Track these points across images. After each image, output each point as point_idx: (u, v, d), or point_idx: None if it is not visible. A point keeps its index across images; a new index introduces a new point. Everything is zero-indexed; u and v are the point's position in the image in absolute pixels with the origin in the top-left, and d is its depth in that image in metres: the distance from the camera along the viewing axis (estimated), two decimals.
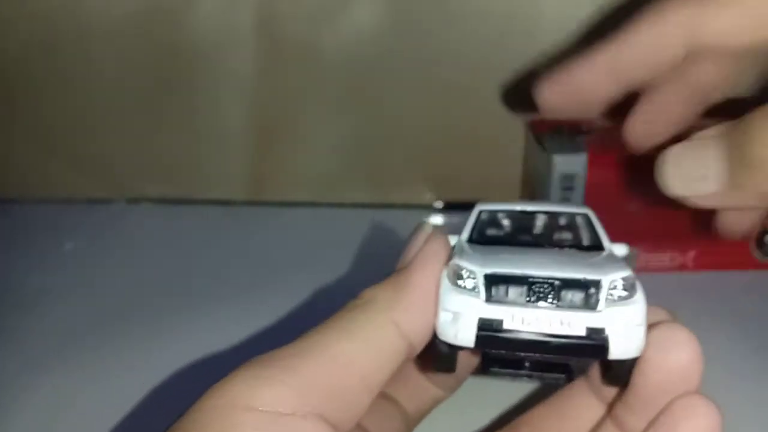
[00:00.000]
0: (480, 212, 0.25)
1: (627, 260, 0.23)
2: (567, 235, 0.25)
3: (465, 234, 0.24)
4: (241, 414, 0.17)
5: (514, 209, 0.25)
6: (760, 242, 0.42)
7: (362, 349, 0.20)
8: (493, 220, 0.25)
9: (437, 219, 0.48)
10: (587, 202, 0.41)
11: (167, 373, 0.34)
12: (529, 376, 0.23)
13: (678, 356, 0.20)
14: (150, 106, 0.49)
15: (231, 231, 0.48)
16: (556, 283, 0.20)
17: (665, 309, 0.22)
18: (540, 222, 0.25)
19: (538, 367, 0.23)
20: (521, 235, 0.25)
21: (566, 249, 0.24)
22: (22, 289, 0.42)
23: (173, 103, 0.48)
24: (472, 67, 0.46)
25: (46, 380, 0.34)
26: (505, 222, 0.25)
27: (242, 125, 0.49)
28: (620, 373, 0.21)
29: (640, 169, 0.43)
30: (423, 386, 0.27)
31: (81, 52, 0.47)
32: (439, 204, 0.50)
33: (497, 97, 0.46)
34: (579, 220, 0.25)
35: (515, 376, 0.23)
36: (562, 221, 0.25)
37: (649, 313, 0.21)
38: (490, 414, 0.33)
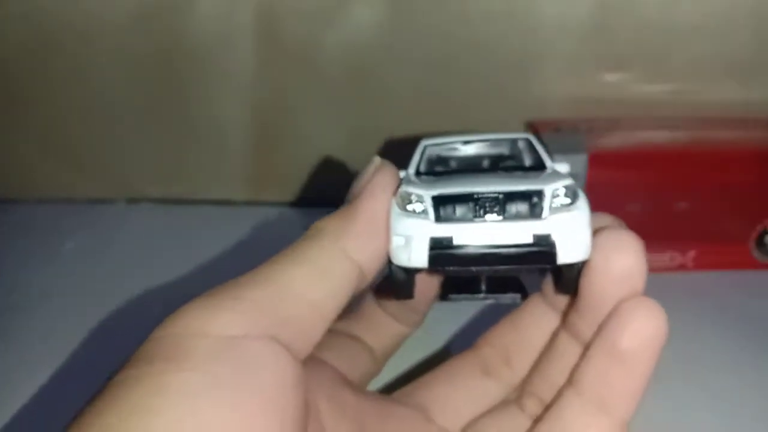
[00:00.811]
0: (425, 147, 0.25)
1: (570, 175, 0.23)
2: (510, 160, 0.25)
3: (411, 168, 0.25)
4: (194, 340, 0.18)
5: (457, 140, 0.26)
6: (760, 242, 0.42)
7: (311, 276, 0.20)
8: (437, 153, 0.26)
9: None
10: None
11: None
12: (486, 298, 0.24)
13: (621, 259, 0.20)
14: (150, 106, 0.49)
15: (231, 231, 0.48)
16: (501, 196, 0.21)
17: (610, 215, 0.22)
18: (483, 150, 0.26)
19: (494, 288, 0.24)
20: (466, 164, 0.25)
21: (510, 171, 0.24)
22: (22, 289, 0.42)
23: (173, 103, 0.48)
24: (471, 66, 0.46)
25: (46, 380, 0.34)
26: (450, 153, 0.26)
27: (242, 125, 0.49)
28: (570, 279, 0.21)
29: (640, 169, 0.43)
30: (387, 324, 0.27)
31: (81, 52, 0.47)
32: None
33: (497, 96, 0.46)
34: (521, 145, 0.25)
35: (473, 300, 0.24)
36: (505, 147, 0.26)
37: (594, 219, 0.21)
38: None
